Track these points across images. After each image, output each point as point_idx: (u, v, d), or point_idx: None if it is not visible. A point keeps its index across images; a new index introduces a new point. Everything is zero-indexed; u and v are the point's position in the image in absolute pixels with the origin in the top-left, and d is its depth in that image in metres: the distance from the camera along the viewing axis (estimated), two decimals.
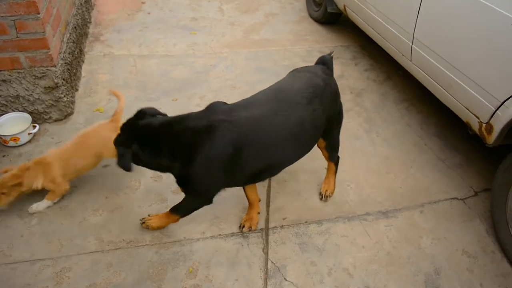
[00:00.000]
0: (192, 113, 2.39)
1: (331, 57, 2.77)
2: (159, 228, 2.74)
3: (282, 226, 2.84)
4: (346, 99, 4.02)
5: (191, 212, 2.63)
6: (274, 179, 3.14)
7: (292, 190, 3.09)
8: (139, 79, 4.20)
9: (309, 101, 2.46)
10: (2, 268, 2.56)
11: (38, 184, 2.76)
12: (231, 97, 3.92)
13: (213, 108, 2.39)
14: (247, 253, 2.67)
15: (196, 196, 2.50)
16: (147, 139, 2.31)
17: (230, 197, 3.00)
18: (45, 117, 3.57)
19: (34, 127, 3.43)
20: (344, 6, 4.61)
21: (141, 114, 2.39)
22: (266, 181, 3.13)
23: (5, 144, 3.36)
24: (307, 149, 2.63)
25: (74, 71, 3.94)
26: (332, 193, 3.06)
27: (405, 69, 3.70)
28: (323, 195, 3.03)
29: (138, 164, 2.37)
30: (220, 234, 2.77)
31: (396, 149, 3.51)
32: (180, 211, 2.61)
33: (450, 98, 3.09)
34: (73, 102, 3.76)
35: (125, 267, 2.57)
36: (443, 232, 2.87)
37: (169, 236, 2.74)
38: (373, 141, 3.56)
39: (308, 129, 2.48)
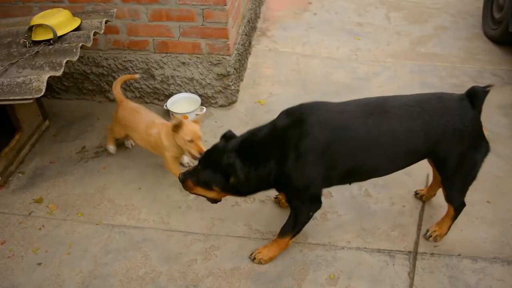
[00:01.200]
0: (283, 111, 2.42)
1: (486, 91, 2.32)
2: (271, 259, 2.61)
3: (432, 254, 2.68)
4: None
5: (300, 227, 2.53)
6: (429, 203, 2.97)
7: None
8: (300, 77, 4.27)
9: (409, 119, 2.28)
10: (160, 233, 2.80)
11: None
12: None
13: (303, 105, 2.38)
14: (392, 273, 2.56)
15: (299, 198, 2.43)
16: (246, 154, 2.32)
17: (380, 212, 2.91)
18: (212, 101, 3.82)
19: (202, 109, 3.67)
20: None
21: (227, 137, 2.46)
22: (420, 202, 2.98)
23: None
24: (394, 165, 2.46)
25: (243, 62, 4.14)
26: (441, 238, 2.72)
27: None
28: (428, 234, 2.74)
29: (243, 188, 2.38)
30: (365, 248, 2.70)
31: None
32: (287, 229, 2.53)
33: None
34: (238, 91, 3.96)
35: None
36: None
37: (314, 238, 2.75)
38: None
39: (399, 145, 2.33)
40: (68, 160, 3.35)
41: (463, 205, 2.65)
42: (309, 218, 2.52)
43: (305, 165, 2.29)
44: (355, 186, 3.07)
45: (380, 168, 2.47)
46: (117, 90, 3.22)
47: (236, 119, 3.71)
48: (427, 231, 2.77)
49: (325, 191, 2.76)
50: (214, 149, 2.44)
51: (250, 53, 4.58)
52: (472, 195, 2.98)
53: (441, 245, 2.73)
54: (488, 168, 3.22)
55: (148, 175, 3.21)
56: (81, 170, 3.26)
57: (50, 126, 3.68)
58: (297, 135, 2.26)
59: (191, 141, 2.80)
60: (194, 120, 2.93)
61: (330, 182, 2.48)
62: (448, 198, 2.62)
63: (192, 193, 2.52)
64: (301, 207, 2.47)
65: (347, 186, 2.64)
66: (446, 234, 2.73)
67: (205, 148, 2.74)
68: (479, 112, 2.38)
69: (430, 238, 2.73)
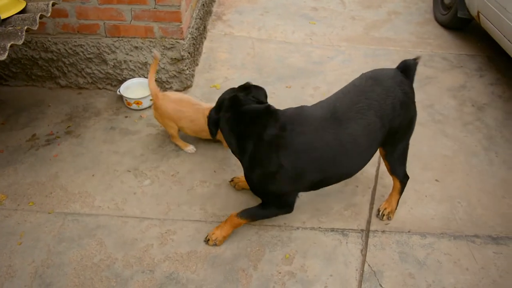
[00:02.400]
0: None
1: (416, 63, 2.57)
2: (225, 238, 2.64)
3: (383, 231, 2.77)
4: (466, 111, 3.80)
5: (261, 219, 2.72)
6: (381, 182, 3.06)
7: None
8: (256, 61, 4.27)
9: (361, 116, 2.35)
10: (115, 220, 2.77)
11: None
12: None
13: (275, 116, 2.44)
14: (345, 251, 2.64)
15: (270, 200, 2.57)
16: (232, 115, 2.46)
17: (333, 192, 2.97)
18: (167, 86, 3.77)
19: None
20: (478, 12, 4.32)
21: (246, 88, 2.59)
22: (372, 182, 3.07)
23: (129, 106, 3.60)
24: (362, 162, 2.52)
25: (197, 46, 4.10)
26: (392, 214, 2.84)
27: None
28: (381, 214, 2.83)
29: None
30: (320, 227, 2.76)
31: None
32: (248, 215, 2.60)
33: None
34: (193, 76, 3.93)
35: (225, 241, 2.65)
36: None
37: (269, 219, 2.78)
38: (492, 161, 3.33)
39: (362, 144, 2.39)
40: (18, 149, 3.24)
41: (407, 177, 2.78)
42: (275, 215, 2.65)
43: (271, 184, 2.44)
44: None
45: (349, 172, 2.54)
46: (152, 84, 3.12)
47: None
48: (379, 211, 2.85)
49: None
50: (230, 97, 2.54)
51: (205, 38, 4.54)
52: (422, 174, 3.12)
53: (392, 223, 2.82)
54: (437, 148, 3.37)
55: (102, 162, 3.15)
56: (32, 159, 3.16)
57: None
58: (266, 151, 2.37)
59: None
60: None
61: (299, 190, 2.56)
62: (394, 171, 2.72)
63: None
64: (271, 206, 2.57)
65: None
66: (396, 209, 2.83)
67: None
68: (412, 81, 2.57)
69: (384, 217, 2.82)
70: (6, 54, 2.53)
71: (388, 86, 2.44)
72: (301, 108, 2.48)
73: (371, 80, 2.48)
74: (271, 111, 2.44)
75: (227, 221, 2.61)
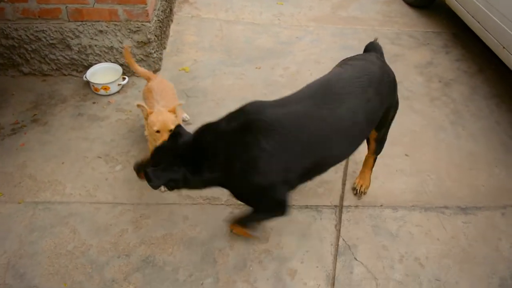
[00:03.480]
0: (226, 115, 2.16)
1: (377, 42, 2.60)
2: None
3: (356, 206, 2.82)
4: (433, 87, 3.87)
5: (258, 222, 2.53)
6: (352, 158, 3.10)
7: None
8: (224, 43, 4.23)
9: (362, 91, 2.18)
10: (87, 207, 2.72)
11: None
12: (315, 72, 3.88)
13: (247, 108, 2.13)
14: (319, 227, 2.68)
15: (260, 204, 2.28)
16: (189, 157, 2.09)
17: None
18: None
19: (124, 79, 3.56)
20: None
21: (176, 135, 2.21)
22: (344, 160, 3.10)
23: (96, 92, 3.52)
24: (358, 143, 2.34)
25: (164, 29, 4.03)
26: (367, 189, 2.88)
27: (500, 63, 3.49)
28: (358, 191, 2.86)
29: (187, 187, 2.20)
30: (294, 205, 2.78)
31: (482, 146, 3.35)
32: (243, 222, 2.45)
33: None
34: (161, 59, 3.87)
35: (200, 222, 2.65)
36: None
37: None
38: (459, 134, 3.42)
39: (361, 122, 2.19)
40: None
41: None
42: (271, 218, 2.46)
43: (256, 174, 2.07)
44: None
45: (344, 153, 2.35)
46: (139, 68, 3.02)
47: None
48: (354, 189, 2.89)
49: None
50: (160, 148, 2.23)
51: (172, 21, 4.47)
52: (392, 149, 3.17)
53: (365, 198, 2.88)
54: (406, 123, 3.43)
55: (71, 149, 3.08)
56: None
57: None
58: (240, 144, 2.05)
59: (158, 131, 2.52)
60: (170, 109, 2.59)
61: (292, 184, 2.23)
62: (376, 151, 2.74)
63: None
64: (262, 211, 2.35)
65: None
66: (369, 184, 2.88)
67: None
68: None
69: (361, 194, 2.86)
70: None
71: (380, 65, 2.39)
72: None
73: (363, 61, 2.38)
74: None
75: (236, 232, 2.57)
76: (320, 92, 2.17)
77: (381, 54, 2.56)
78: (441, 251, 2.63)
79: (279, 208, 2.24)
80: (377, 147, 2.71)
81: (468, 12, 3.95)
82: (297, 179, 2.20)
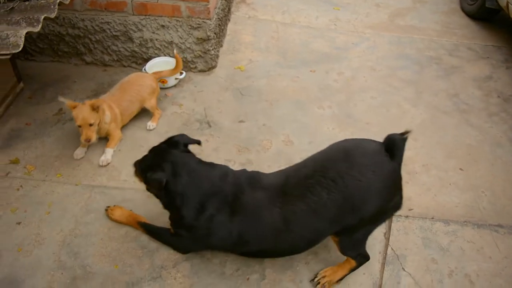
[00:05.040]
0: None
1: (404, 139, 2.12)
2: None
3: (407, 216, 2.77)
4: (491, 102, 3.76)
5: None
6: (405, 169, 3.04)
7: (422, 183, 2.99)
8: (280, 45, 4.26)
9: (310, 192, 2.09)
10: (141, 194, 2.79)
11: (107, 118, 2.98)
12: (370, 79, 3.85)
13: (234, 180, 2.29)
14: None
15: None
16: (177, 173, 2.23)
17: None
18: (191, 66, 3.78)
19: (181, 73, 3.64)
20: (507, 3, 4.26)
21: (173, 142, 2.35)
22: None
23: None
24: (313, 242, 2.30)
25: (222, 28, 4.10)
26: (329, 285, 2.37)
27: None
28: (316, 280, 2.39)
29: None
30: None
31: None
32: None
33: None
34: (217, 57, 3.93)
35: None
36: None
37: None
38: None
39: (307, 228, 2.15)
40: (45, 122, 3.28)
41: (364, 259, 2.38)
42: (168, 245, 2.55)
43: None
44: None
45: (294, 250, 2.36)
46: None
47: (215, 85, 3.69)
48: (315, 276, 2.42)
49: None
50: (156, 152, 2.38)
51: (229, 20, 4.54)
52: (446, 162, 3.11)
53: (416, 209, 2.83)
54: (461, 137, 3.36)
55: (127, 138, 3.18)
56: (59, 132, 3.20)
57: (25, 89, 3.58)
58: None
59: (80, 126, 2.83)
60: (93, 102, 2.85)
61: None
62: (341, 251, 2.35)
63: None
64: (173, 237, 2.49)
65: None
66: (336, 283, 2.41)
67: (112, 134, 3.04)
68: (400, 163, 2.16)
69: (318, 284, 2.38)
70: (40, 26, 2.56)
71: (359, 163, 2.08)
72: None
73: (342, 155, 2.15)
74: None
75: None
76: (282, 185, 2.22)
77: (396, 153, 2.11)
78: (493, 269, 2.55)
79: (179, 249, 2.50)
80: (341, 248, 2.33)
81: None
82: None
